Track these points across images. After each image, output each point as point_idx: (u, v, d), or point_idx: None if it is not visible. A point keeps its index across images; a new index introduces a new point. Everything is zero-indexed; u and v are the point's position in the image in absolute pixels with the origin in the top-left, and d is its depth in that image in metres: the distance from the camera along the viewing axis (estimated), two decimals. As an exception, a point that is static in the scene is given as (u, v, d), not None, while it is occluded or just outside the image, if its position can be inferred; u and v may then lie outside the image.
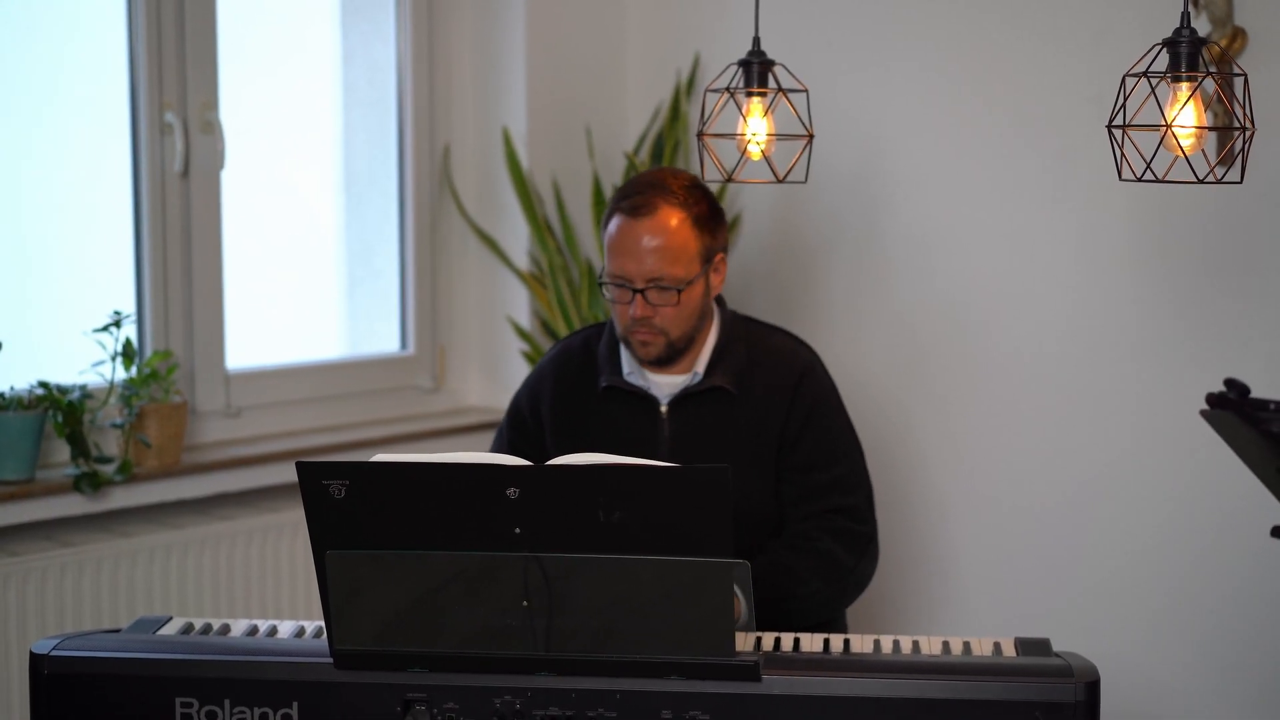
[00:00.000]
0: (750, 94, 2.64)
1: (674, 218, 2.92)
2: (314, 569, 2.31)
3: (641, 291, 2.91)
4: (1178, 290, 3.48)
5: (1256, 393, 2.08)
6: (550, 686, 2.24)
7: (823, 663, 2.28)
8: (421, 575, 2.22)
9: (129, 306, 3.71)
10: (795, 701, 2.21)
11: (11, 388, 3.46)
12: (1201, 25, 3.28)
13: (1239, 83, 2.34)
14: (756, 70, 2.63)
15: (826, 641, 2.40)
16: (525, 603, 2.21)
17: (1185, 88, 2.29)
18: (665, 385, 3.02)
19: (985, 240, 3.74)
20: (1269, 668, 3.40)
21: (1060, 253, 3.64)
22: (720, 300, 3.08)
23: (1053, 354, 3.66)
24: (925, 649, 2.36)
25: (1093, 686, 2.19)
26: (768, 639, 2.42)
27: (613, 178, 4.25)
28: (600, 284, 2.99)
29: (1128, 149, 2.31)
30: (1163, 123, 2.28)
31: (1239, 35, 3.26)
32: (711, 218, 2.97)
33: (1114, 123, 2.32)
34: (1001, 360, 3.74)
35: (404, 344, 4.32)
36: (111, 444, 3.60)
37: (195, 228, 3.77)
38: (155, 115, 3.69)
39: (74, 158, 3.77)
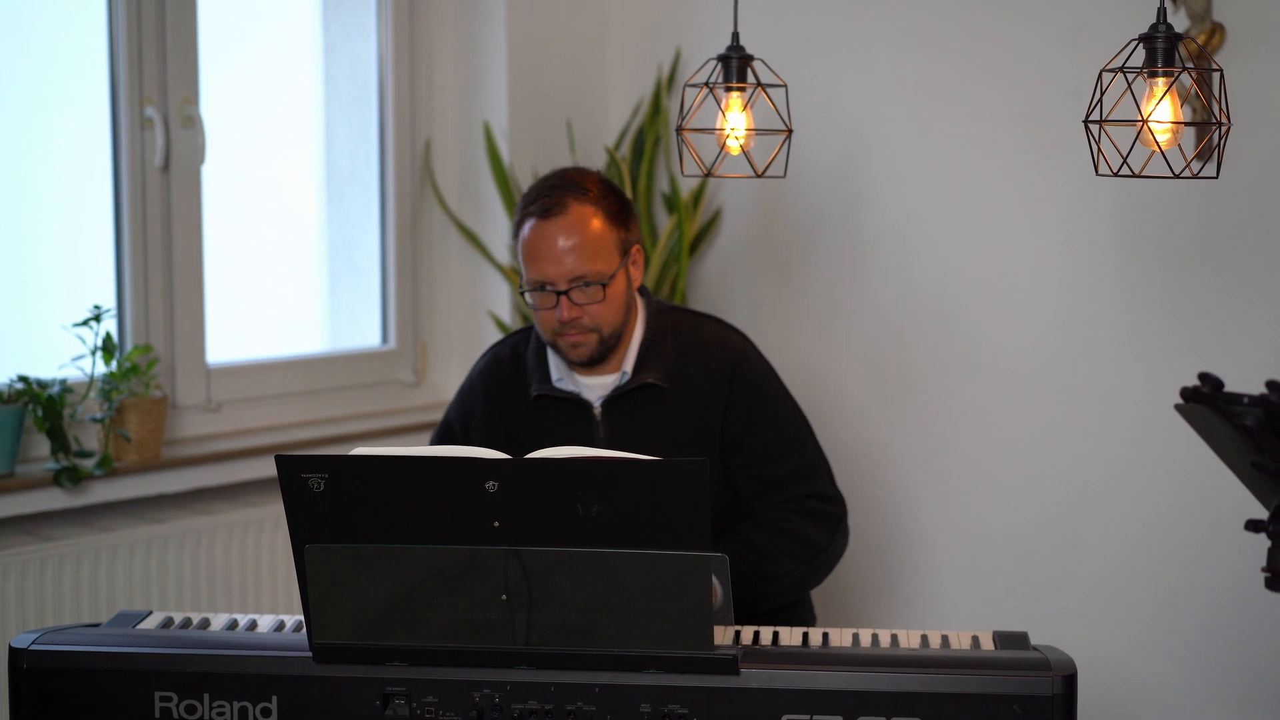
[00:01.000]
0: (729, 89, 2.64)
1: (587, 213, 2.88)
2: (294, 563, 2.31)
3: (565, 293, 2.86)
4: (1157, 285, 3.49)
5: (1237, 387, 2.08)
6: (529, 680, 2.24)
7: (801, 656, 2.28)
8: (401, 569, 2.22)
9: (109, 301, 3.71)
10: (774, 695, 2.21)
11: (-9, 382, 3.47)
12: (1179, 21, 3.28)
13: (1216, 78, 2.35)
14: (736, 65, 2.63)
15: (805, 635, 2.41)
16: (504, 596, 2.21)
17: (1162, 83, 2.30)
18: (596, 387, 2.98)
19: (965, 235, 3.75)
20: (1257, 666, 3.41)
21: (1039, 248, 3.65)
22: (645, 292, 3.03)
23: (1033, 350, 3.67)
24: (904, 642, 2.37)
25: (1070, 680, 2.20)
26: (746, 632, 2.43)
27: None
28: (521, 293, 2.93)
29: (1105, 144, 2.32)
30: (1140, 118, 2.29)
31: (1217, 30, 3.28)
32: (622, 210, 2.93)
33: (1091, 118, 2.33)
34: (981, 356, 3.75)
35: (385, 338, 4.32)
36: (91, 438, 3.59)
37: (176, 222, 3.77)
38: (136, 110, 3.69)
39: (54, 152, 3.77)
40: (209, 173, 3.82)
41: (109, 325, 3.57)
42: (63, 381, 3.50)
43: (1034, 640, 2.36)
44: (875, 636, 2.39)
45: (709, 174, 2.67)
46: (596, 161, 4.27)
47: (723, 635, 2.28)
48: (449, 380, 4.37)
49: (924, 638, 2.38)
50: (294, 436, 3.94)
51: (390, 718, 2.26)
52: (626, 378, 2.96)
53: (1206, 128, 2.33)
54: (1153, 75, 2.30)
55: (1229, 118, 2.32)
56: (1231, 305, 3.38)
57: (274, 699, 2.28)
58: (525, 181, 4.20)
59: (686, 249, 4.04)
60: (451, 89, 4.31)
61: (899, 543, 3.91)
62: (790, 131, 2.67)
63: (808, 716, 2.21)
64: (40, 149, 3.76)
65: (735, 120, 2.63)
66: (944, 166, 3.77)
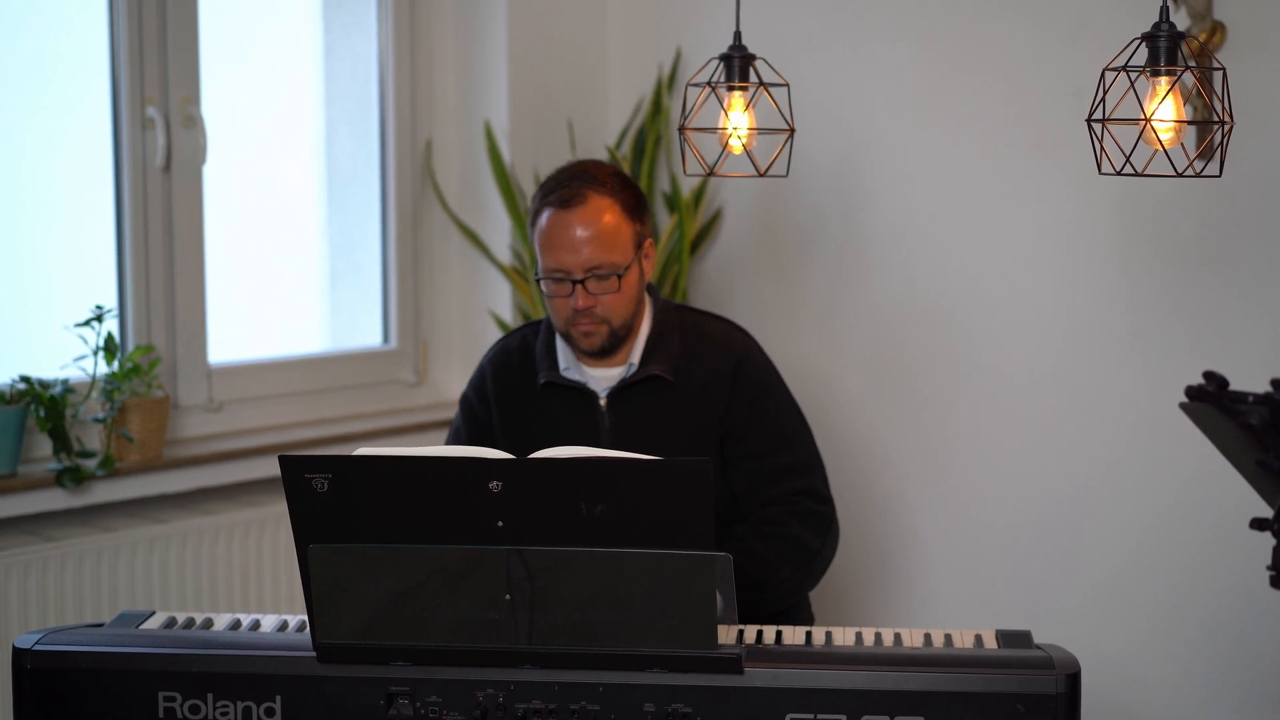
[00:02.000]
0: (732, 88, 2.64)
1: (604, 205, 2.93)
2: (296, 563, 2.31)
3: (581, 282, 2.91)
4: (1161, 284, 3.49)
5: (1240, 386, 2.08)
6: (533, 679, 2.24)
7: (805, 655, 2.28)
8: (404, 569, 2.22)
9: (111, 301, 3.70)
10: (778, 694, 2.21)
11: (-7, 382, 3.47)
12: (1180, 20, 3.28)
13: (1218, 77, 2.35)
14: (738, 64, 2.63)
15: (808, 634, 2.41)
16: (508, 596, 2.21)
17: (1164, 82, 2.30)
18: (602, 378, 3.01)
19: (965, 235, 3.75)
20: (1259, 665, 3.41)
21: (1040, 247, 3.65)
22: (652, 289, 3.08)
23: (1034, 349, 3.67)
24: (907, 641, 2.37)
25: (1074, 679, 2.20)
26: (750, 631, 2.43)
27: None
28: (536, 280, 2.99)
29: (1107, 143, 2.32)
30: (1142, 117, 2.29)
31: (1218, 29, 3.28)
32: (638, 204, 2.99)
33: (1094, 117, 2.33)
34: (982, 355, 3.75)
35: (386, 338, 4.32)
36: (94, 438, 3.59)
37: (177, 222, 3.77)
38: (137, 110, 3.69)
39: (55, 152, 3.77)
40: (210, 173, 3.82)
41: (111, 325, 3.57)
42: (65, 382, 3.50)
43: (1035, 640, 2.36)
44: (878, 635, 2.39)
45: (711, 173, 2.67)
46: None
47: (726, 634, 2.28)
48: (450, 380, 4.37)
49: (927, 636, 2.38)
50: (295, 436, 3.94)
51: (394, 717, 2.26)
52: (633, 369, 3.00)
53: (1207, 127, 2.33)
54: (1155, 74, 2.30)
55: (1232, 116, 2.32)
56: (1232, 304, 3.38)
57: (278, 699, 2.28)
58: (526, 181, 4.20)
59: (688, 248, 4.04)
60: (452, 89, 4.31)
61: (899, 542, 3.91)
62: (793, 131, 2.67)
63: (812, 715, 2.21)
64: (41, 149, 3.76)
65: (738, 119, 2.63)
66: (945, 166, 3.77)
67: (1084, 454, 3.62)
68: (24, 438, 3.46)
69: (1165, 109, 2.29)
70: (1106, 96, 2.32)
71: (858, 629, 2.41)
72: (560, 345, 3.03)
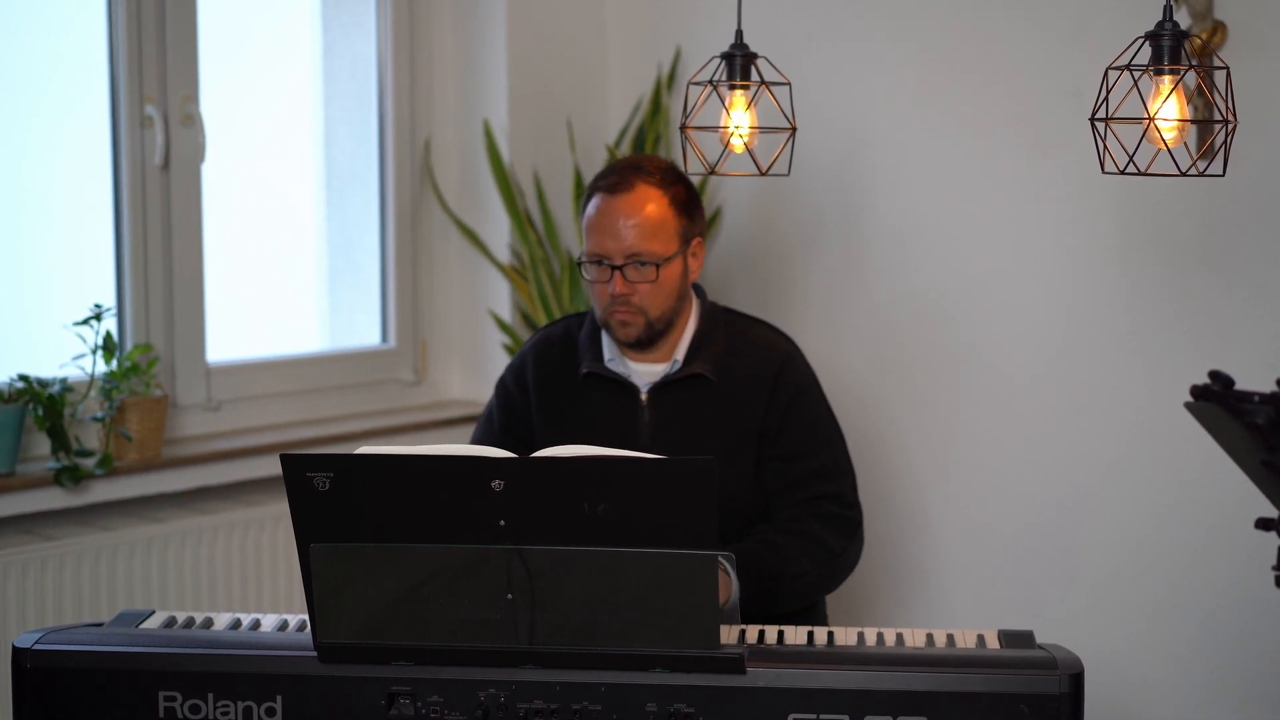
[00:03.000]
0: (733, 87, 2.63)
1: (652, 195, 2.96)
2: (296, 562, 2.31)
3: (620, 268, 2.93)
4: (1161, 284, 3.49)
5: (1244, 385, 2.08)
6: (535, 679, 2.24)
7: (807, 655, 2.28)
8: (406, 568, 2.22)
9: (109, 300, 3.70)
10: (780, 694, 2.21)
11: (-9, 381, 3.46)
12: (1181, 19, 3.28)
13: (1221, 76, 2.34)
14: (739, 63, 2.63)
15: (810, 634, 2.40)
16: (510, 595, 2.21)
17: (1168, 81, 2.29)
18: (645, 373, 3.03)
19: (967, 234, 3.75)
20: (1260, 665, 3.40)
21: (1041, 247, 3.64)
22: (700, 290, 3.09)
23: (1034, 349, 3.67)
24: (909, 641, 2.36)
25: (1077, 679, 2.20)
26: (751, 631, 2.42)
27: (594, 170, 4.24)
28: (579, 264, 3.01)
29: (1110, 142, 2.32)
30: (1145, 116, 2.29)
31: (1219, 29, 3.28)
32: (689, 201, 3.01)
33: (1097, 116, 2.33)
34: (983, 355, 3.74)
35: (385, 337, 4.31)
36: (92, 437, 3.59)
37: (176, 221, 3.76)
38: (135, 108, 3.68)
39: (54, 151, 3.76)
40: (209, 171, 3.81)
41: (109, 324, 3.57)
42: (63, 380, 3.49)
43: (1037, 639, 2.35)
44: (881, 635, 2.38)
45: (712, 171, 2.67)
46: (596, 161, 4.26)
47: (728, 634, 2.27)
48: (449, 379, 4.36)
49: (929, 636, 2.37)
50: (294, 435, 3.94)
51: (395, 717, 2.26)
52: (677, 366, 3.01)
53: (1211, 126, 2.32)
54: (1158, 73, 2.30)
55: (1235, 115, 2.31)
56: (1233, 304, 3.38)
57: (279, 698, 2.28)
58: (525, 181, 4.20)
59: (687, 248, 4.03)
60: (451, 88, 4.30)
61: (900, 542, 3.90)
62: (794, 129, 2.66)
63: (814, 715, 2.21)
64: (40, 148, 3.75)
65: (739, 118, 2.63)
66: (945, 166, 3.77)
67: (1084, 454, 3.61)
68: (22, 437, 3.46)
69: (1168, 108, 2.29)
70: (1109, 96, 2.31)
71: (860, 629, 2.41)
72: (605, 337, 3.05)
